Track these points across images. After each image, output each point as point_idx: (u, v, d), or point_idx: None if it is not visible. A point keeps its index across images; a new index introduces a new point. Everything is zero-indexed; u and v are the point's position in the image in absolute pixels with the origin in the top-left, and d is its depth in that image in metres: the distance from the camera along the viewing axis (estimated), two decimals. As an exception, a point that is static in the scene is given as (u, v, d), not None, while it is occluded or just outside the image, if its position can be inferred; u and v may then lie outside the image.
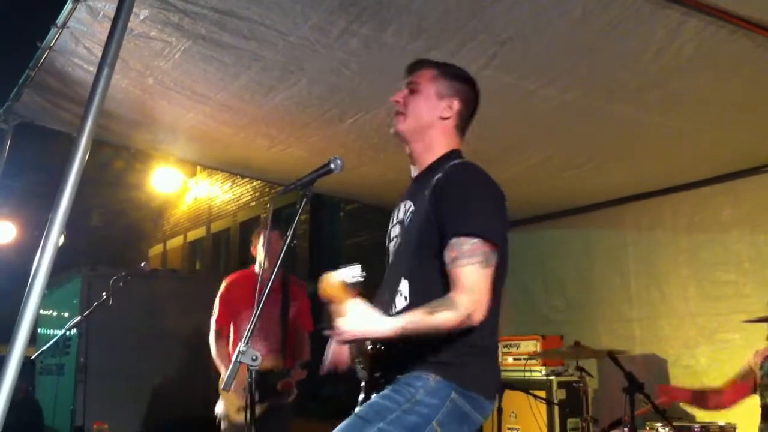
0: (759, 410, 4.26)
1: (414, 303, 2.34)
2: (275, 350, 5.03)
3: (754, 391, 4.32)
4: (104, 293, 4.70)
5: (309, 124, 4.78)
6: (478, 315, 2.22)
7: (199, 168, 15.29)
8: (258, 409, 4.79)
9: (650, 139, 4.87)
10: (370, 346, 2.42)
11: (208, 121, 4.83)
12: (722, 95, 4.17)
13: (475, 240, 2.26)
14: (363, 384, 2.48)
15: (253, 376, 2.57)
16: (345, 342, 2.33)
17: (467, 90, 2.63)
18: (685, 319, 5.78)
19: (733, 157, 5.25)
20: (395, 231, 2.60)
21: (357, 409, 2.37)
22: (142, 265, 5.58)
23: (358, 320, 2.24)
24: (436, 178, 2.42)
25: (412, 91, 2.59)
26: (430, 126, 2.57)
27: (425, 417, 2.27)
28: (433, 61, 2.67)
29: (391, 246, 2.61)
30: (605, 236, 6.48)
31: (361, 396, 2.46)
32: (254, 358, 2.40)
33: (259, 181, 12.65)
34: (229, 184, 14.58)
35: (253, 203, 13.65)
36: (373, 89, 4.13)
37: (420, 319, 2.22)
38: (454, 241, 2.28)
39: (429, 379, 2.30)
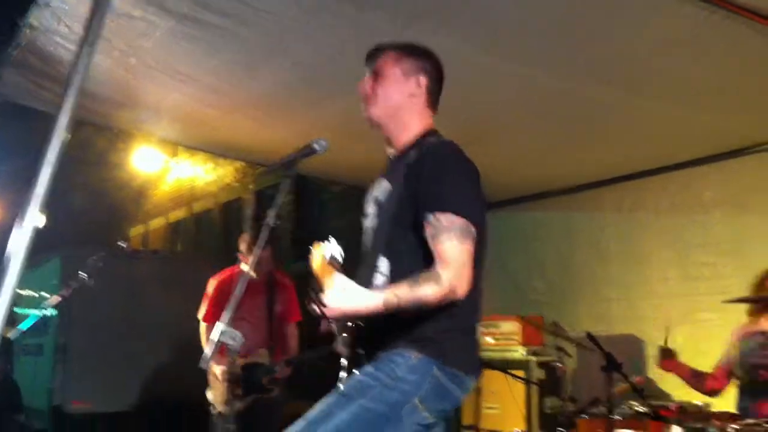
0: (735, 390, 4.32)
1: (392, 280, 2.37)
2: (263, 346, 5.14)
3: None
4: (83, 273, 4.68)
5: (294, 106, 4.77)
6: (462, 289, 2.25)
7: (180, 148, 15.16)
8: (244, 403, 4.94)
9: (637, 121, 4.90)
10: (350, 324, 2.44)
11: (192, 102, 4.81)
12: (712, 79, 4.20)
13: (451, 216, 2.29)
14: (344, 361, 2.50)
15: (235, 361, 2.56)
16: (331, 317, 2.35)
17: (431, 65, 2.64)
18: (664, 299, 5.84)
19: (717, 139, 5.29)
20: (371, 208, 2.61)
21: (339, 386, 2.39)
22: (122, 244, 5.52)
23: (343, 296, 2.28)
24: (412, 157, 2.45)
25: (377, 77, 2.61)
26: (401, 106, 2.59)
27: (407, 393, 2.29)
28: (391, 43, 2.67)
29: (367, 222, 2.63)
30: (587, 218, 6.53)
31: (342, 373, 2.47)
32: (234, 337, 2.40)
33: (241, 162, 12.56)
34: (211, 164, 14.48)
35: (236, 184, 13.58)
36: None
37: (404, 292, 2.25)
38: (431, 218, 2.31)
39: (410, 356, 2.32)
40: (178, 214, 15.96)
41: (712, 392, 4.47)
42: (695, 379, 4.51)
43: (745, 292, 4.36)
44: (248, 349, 5.03)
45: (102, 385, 8.15)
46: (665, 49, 3.84)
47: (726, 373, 4.39)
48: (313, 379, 2.63)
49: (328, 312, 2.30)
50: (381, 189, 2.57)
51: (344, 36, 3.74)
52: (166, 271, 8.89)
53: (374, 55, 2.66)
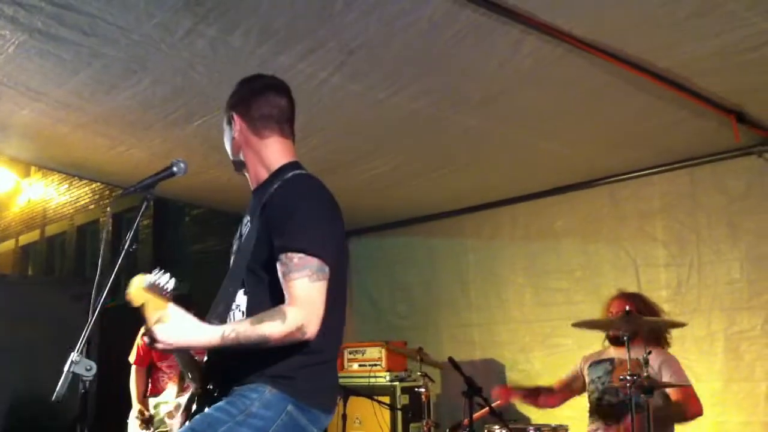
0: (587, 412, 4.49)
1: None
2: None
3: (581, 392, 4.55)
4: None
5: (152, 125, 4.64)
6: (311, 328, 2.18)
7: (33, 168, 14.51)
8: None
9: (493, 150, 5.06)
10: (204, 359, 2.36)
11: (45, 119, 4.60)
12: (558, 110, 4.39)
13: (302, 254, 2.23)
14: (196, 397, 2.42)
15: (87, 387, 2.42)
16: (162, 351, 2.24)
17: (243, 95, 2.60)
18: (521, 324, 6.03)
19: (567, 170, 5.54)
20: (236, 245, 2.57)
21: (189, 422, 2.30)
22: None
23: (175, 328, 2.17)
24: (269, 192, 2.41)
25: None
26: (237, 151, 2.58)
27: (259, 429, 2.22)
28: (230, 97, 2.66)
29: (233, 260, 2.57)
30: (448, 244, 6.66)
31: (194, 408, 2.39)
32: (88, 368, 2.26)
33: (98, 184, 12.15)
34: (66, 185, 13.93)
35: (92, 206, 13.11)
36: (221, 92, 4.01)
37: (245, 328, 2.17)
38: (282, 256, 2.25)
39: (265, 391, 2.25)
40: (30, 236, 15.24)
41: (548, 406, 4.67)
42: (530, 398, 4.69)
43: (596, 317, 4.54)
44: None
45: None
46: (519, 83, 3.99)
47: (564, 387, 4.61)
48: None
49: (159, 345, 2.17)
50: (244, 225, 2.53)
51: (202, 54, 3.68)
52: (14, 296, 8.44)
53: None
